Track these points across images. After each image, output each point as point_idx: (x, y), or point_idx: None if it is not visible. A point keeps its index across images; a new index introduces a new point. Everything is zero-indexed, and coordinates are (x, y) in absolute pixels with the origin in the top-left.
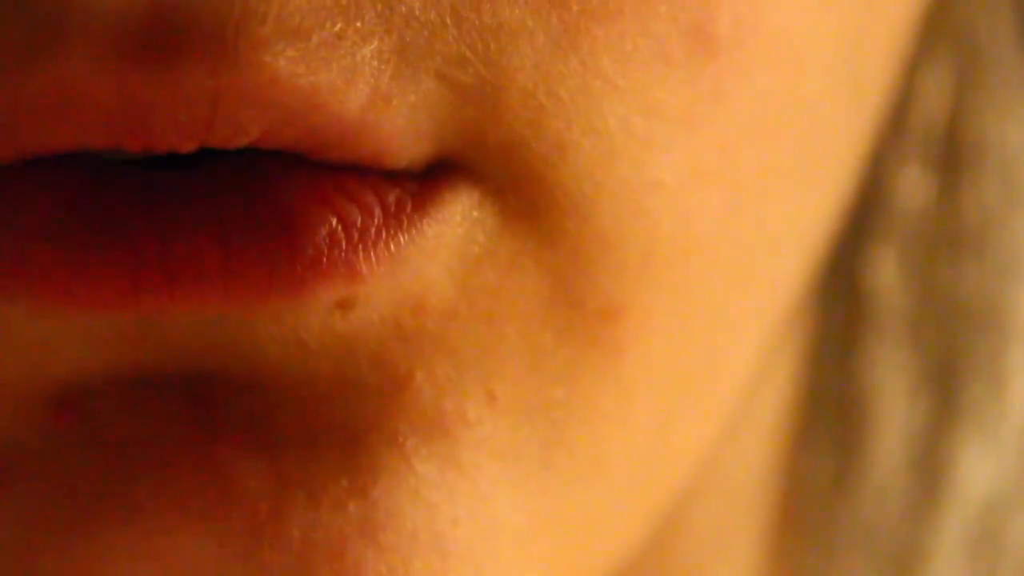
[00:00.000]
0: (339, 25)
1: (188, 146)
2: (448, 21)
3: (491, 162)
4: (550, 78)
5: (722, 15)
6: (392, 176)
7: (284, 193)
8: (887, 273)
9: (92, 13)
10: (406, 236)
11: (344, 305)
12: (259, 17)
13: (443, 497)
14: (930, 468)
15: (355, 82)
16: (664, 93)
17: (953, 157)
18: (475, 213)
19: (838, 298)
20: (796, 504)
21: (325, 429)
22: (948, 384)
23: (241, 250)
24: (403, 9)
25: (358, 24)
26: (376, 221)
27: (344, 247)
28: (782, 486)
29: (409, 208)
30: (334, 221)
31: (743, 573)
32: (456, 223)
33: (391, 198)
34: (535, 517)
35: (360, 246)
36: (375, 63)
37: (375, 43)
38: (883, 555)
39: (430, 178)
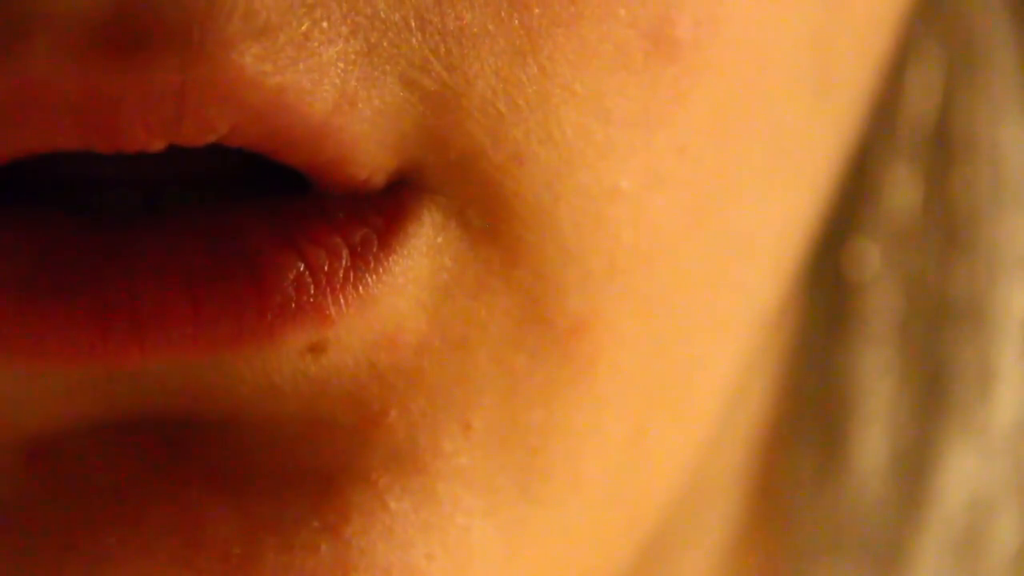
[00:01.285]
0: (305, 25)
1: (157, 144)
2: (412, 24)
3: (452, 176)
4: (509, 85)
5: (682, 18)
6: (357, 211)
7: (250, 240)
8: (874, 270)
9: (54, 9)
10: (374, 276)
11: (316, 349)
12: (225, 14)
13: (417, 533)
14: (914, 467)
15: (321, 83)
16: (622, 98)
17: (942, 153)
18: (440, 239)
19: (824, 295)
20: (778, 502)
21: (297, 471)
22: (934, 383)
23: (209, 299)
24: (368, 11)
25: (324, 24)
26: (343, 263)
27: (312, 292)
28: (766, 482)
29: (375, 247)
30: (301, 266)
31: (722, 569)
32: (422, 254)
33: (357, 238)
34: (513, 545)
35: (328, 290)
36: (341, 65)
37: (341, 44)
38: (866, 554)
39: (393, 208)
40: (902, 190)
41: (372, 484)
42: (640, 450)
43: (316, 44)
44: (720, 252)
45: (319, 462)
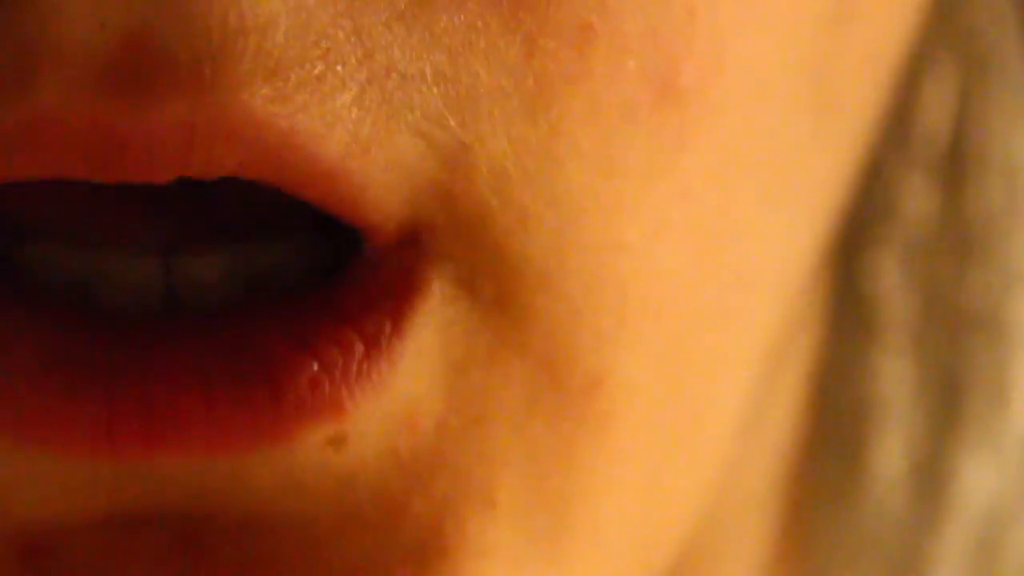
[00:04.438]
0: (319, 68)
1: (164, 177)
2: (429, 77)
3: (460, 238)
4: (518, 146)
5: (688, 66)
6: (368, 299)
7: (266, 342)
8: (890, 282)
9: (63, 45)
10: (387, 363)
11: (336, 441)
12: (236, 53)
13: None
14: (932, 478)
15: (334, 128)
16: (627, 150)
17: (957, 165)
18: (450, 312)
19: (841, 307)
20: (799, 514)
21: (321, 570)
22: (951, 394)
23: (223, 399)
24: (383, 59)
25: (339, 68)
26: (357, 356)
27: (328, 388)
28: (792, 500)
29: (388, 332)
30: (315, 366)
31: None
32: (433, 331)
33: (369, 328)
34: None
35: (343, 384)
36: (356, 111)
37: (355, 90)
38: (884, 565)
39: (403, 281)
40: (917, 202)
41: None
42: (655, 496)
43: (329, 88)
44: (725, 290)
45: (343, 559)
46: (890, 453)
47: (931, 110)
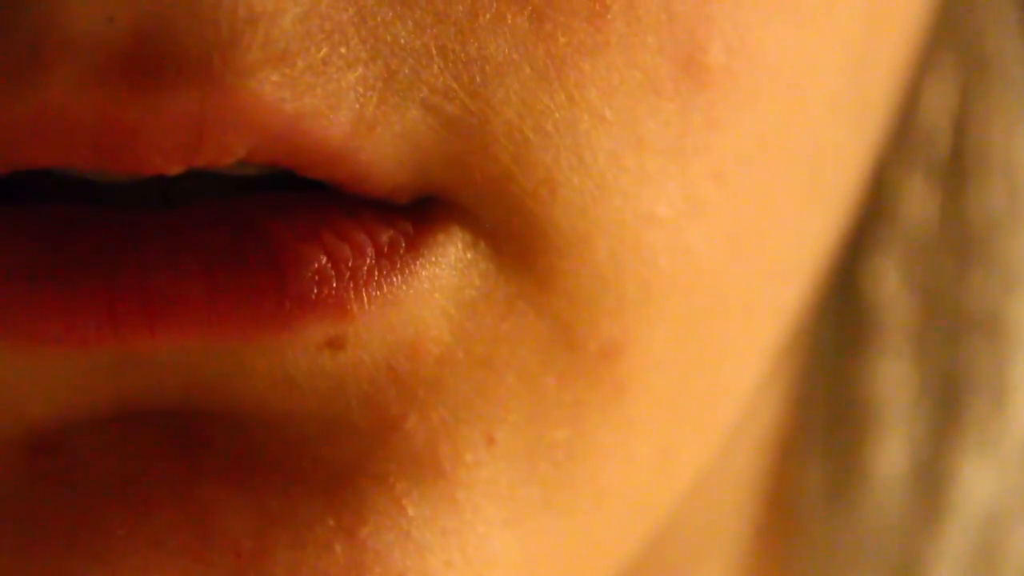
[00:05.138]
0: (324, 50)
1: (174, 168)
2: (433, 52)
3: (481, 199)
4: (536, 111)
5: (712, 45)
6: (385, 215)
7: (273, 229)
8: (890, 283)
9: (72, 37)
10: (399, 277)
11: (334, 344)
12: (245, 43)
13: (435, 538)
14: (931, 480)
15: (339, 108)
16: (654, 124)
17: (958, 167)
18: (469, 255)
19: (841, 308)
20: (795, 513)
21: (312, 468)
22: (950, 396)
23: (226, 284)
24: (388, 38)
25: (343, 50)
26: (368, 261)
27: (334, 285)
28: (779, 493)
29: (403, 249)
30: (324, 259)
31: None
32: (451, 265)
33: (384, 238)
34: (532, 554)
35: (351, 284)
36: (360, 89)
37: (360, 70)
38: (883, 566)
39: (422, 218)
40: (918, 204)
41: (390, 487)
42: (667, 468)
43: (334, 70)
44: (758, 277)
45: (334, 460)
46: (890, 455)
47: (932, 112)
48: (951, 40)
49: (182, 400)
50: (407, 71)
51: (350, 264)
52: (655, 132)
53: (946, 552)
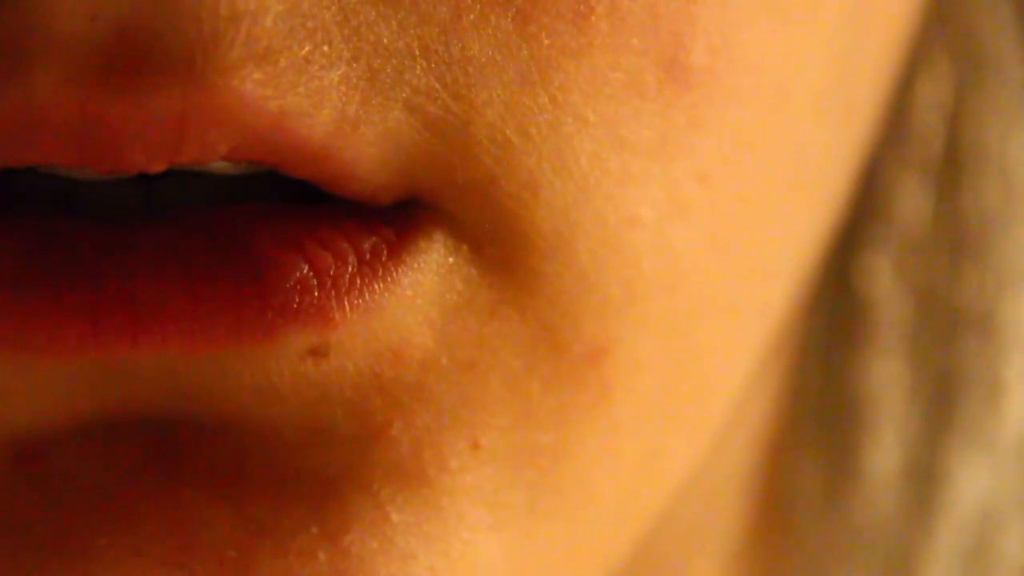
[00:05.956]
0: (307, 48)
1: (157, 166)
2: (417, 52)
3: (463, 202)
4: (519, 114)
5: (695, 46)
6: (367, 223)
7: (255, 239)
8: (884, 281)
9: (55, 35)
10: (381, 284)
11: (317, 352)
12: (227, 41)
13: (419, 545)
14: (925, 478)
15: (322, 106)
16: (637, 126)
17: (952, 164)
18: (451, 260)
19: (834, 306)
20: (788, 511)
21: (295, 476)
22: (944, 394)
23: (208, 294)
24: (371, 37)
25: (325, 48)
26: (350, 269)
27: (316, 293)
28: (772, 492)
29: (384, 256)
30: (306, 268)
31: (722, 573)
32: (433, 271)
33: (366, 246)
34: (517, 559)
35: (333, 293)
36: (343, 88)
37: (343, 68)
38: (876, 564)
39: (404, 224)
40: (912, 202)
41: (373, 494)
42: (655, 470)
43: (317, 68)
44: (743, 277)
45: (318, 469)
46: (883, 452)
47: (926, 110)
48: (945, 37)
49: (166, 409)
50: (390, 71)
51: (332, 272)
52: (638, 134)
53: (939, 550)
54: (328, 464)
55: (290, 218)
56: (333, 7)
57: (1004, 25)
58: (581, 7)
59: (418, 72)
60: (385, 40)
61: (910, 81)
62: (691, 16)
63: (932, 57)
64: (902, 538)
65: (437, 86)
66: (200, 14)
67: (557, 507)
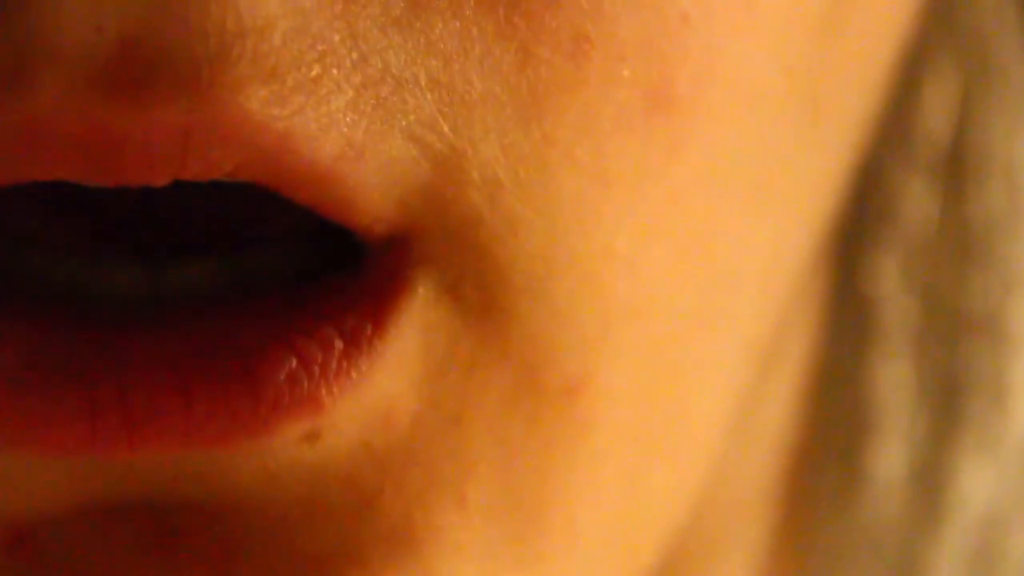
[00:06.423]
0: (315, 70)
1: (160, 180)
2: (423, 82)
3: (448, 243)
4: (510, 153)
5: (682, 74)
6: (346, 298)
7: (244, 338)
8: (890, 284)
9: (60, 46)
10: (367, 360)
11: (311, 436)
12: (234, 57)
13: None
14: (931, 481)
15: (329, 130)
16: (619, 159)
17: (958, 168)
18: (432, 316)
19: (841, 309)
20: (797, 515)
21: (292, 554)
22: (950, 397)
23: (202, 396)
24: (379, 64)
25: (334, 72)
26: (336, 353)
27: (306, 384)
28: (790, 497)
29: (369, 331)
30: (294, 362)
31: None
32: (415, 332)
33: (349, 325)
34: None
35: (322, 381)
36: (351, 114)
37: (351, 94)
38: (883, 568)
39: (386, 281)
40: (918, 205)
41: (366, 564)
42: (636, 497)
43: (325, 91)
44: (708, 291)
45: (314, 545)
46: (889, 456)
47: (932, 113)
48: (951, 41)
49: (164, 494)
50: (395, 100)
51: (320, 361)
52: (619, 167)
53: (945, 553)
54: (323, 539)
55: (279, 311)
56: (343, 30)
57: (1010, 28)
58: (580, 40)
59: (423, 102)
60: (393, 68)
61: (916, 84)
62: (682, 42)
63: (938, 60)
64: (908, 541)
65: (439, 118)
66: (207, 28)
67: (546, 551)
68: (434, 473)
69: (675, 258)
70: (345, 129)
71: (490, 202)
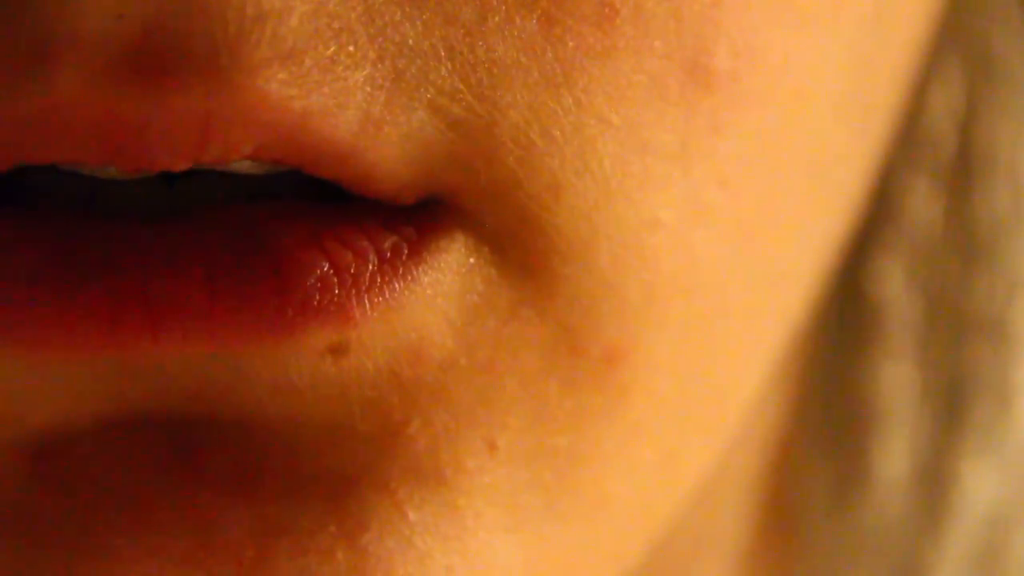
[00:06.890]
0: (332, 48)
1: (181, 165)
2: (442, 53)
3: (485, 203)
4: (543, 116)
5: (719, 49)
6: (388, 221)
7: (275, 236)
8: (895, 285)
9: (81, 33)
10: (402, 283)
11: (337, 350)
12: (253, 40)
13: (436, 544)
14: (934, 482)
15: (347, 106)
16: (659, 129)
17: (963, 169)
18: (472, 260)
19: (845, 310)
20: (798, 514)
21: (313, 475)
22: (954, 398)
23: (228, 292)
24: (396, 37)
25: (351, 48)
26: (370, 267)
27: (336, 291)
28: (782, 495)
29: (405, 255)
30: (326, 265)
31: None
32: (453, 271)
33: (387, 244)
34: (534, 560)
35: (353, 291)
36: (368, 89)
37: (368, 69)
38: (886, 568)
39: (425, 223)
40: (923, 207)
41: (391, 493)
42: (671, 472)
43: (342, 68)
44: (761, 280)
45: (336, 468)
46: (893, 457)
47: (937, 114)
48: (957, 43)
49: (184, 407)
50: (415, 71)
51: (352, 271)
52: (660, 137)
53: (948, 555)
54: (346, 463)
55: (311, 216)
56: (359, 7)
57: (1015, 32)
58: (606, 10)
59: (443, 73)
60: (410, 41)
61: (922, 86)
62: (714, 20)
63: (944, 63)
64: (911, 542)
65: (462, 87)
66: (226, 14)
67: (573, 509)
68: (464, 415)
69: (726, 241)
70: (363, 104)
71: (525, 164)
